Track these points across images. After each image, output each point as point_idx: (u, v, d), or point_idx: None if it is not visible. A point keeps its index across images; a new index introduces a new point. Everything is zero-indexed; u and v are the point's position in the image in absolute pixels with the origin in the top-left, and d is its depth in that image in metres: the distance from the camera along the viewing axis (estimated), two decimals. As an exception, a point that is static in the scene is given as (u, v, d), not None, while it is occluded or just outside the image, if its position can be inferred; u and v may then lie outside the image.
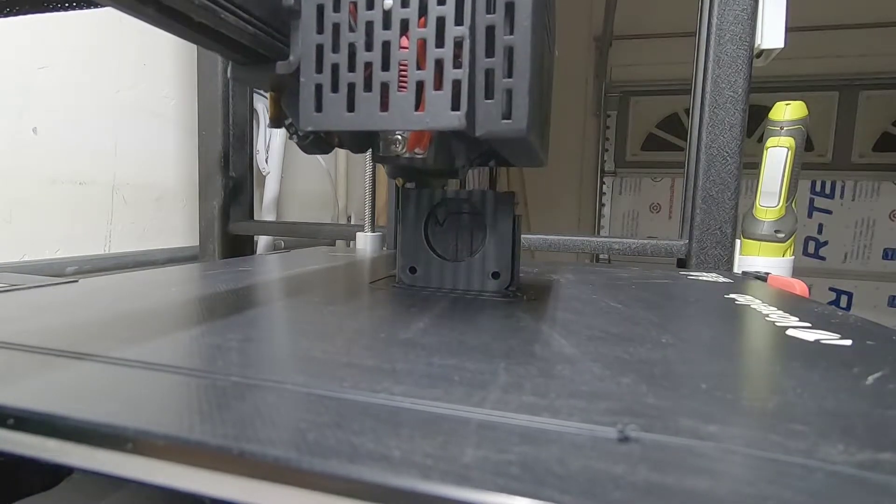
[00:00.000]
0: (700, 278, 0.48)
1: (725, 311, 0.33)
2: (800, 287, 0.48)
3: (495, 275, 0.35)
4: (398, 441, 0.13)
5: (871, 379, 0.19)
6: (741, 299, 0.37)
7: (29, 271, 0.57)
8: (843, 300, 2.04)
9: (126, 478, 0.13)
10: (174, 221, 0.85)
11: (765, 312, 0.32)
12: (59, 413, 0.14)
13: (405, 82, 0.25)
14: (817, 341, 0.25)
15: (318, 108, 0.25)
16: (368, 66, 0.25)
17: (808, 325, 0.28)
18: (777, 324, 0.29)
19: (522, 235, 0.71)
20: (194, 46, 0.77)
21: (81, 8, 0.29)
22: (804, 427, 0.15)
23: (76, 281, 0.36)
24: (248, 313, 0.28)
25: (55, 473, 0.18)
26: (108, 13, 0.26)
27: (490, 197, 0.35)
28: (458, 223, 0.35)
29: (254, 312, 0.28)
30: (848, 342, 0.25)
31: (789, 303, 0.37)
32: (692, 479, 0.11)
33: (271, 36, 0.27)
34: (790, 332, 0.27)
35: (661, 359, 0.21)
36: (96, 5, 0.25)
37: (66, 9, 0.30)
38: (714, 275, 0.52)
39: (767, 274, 0.53)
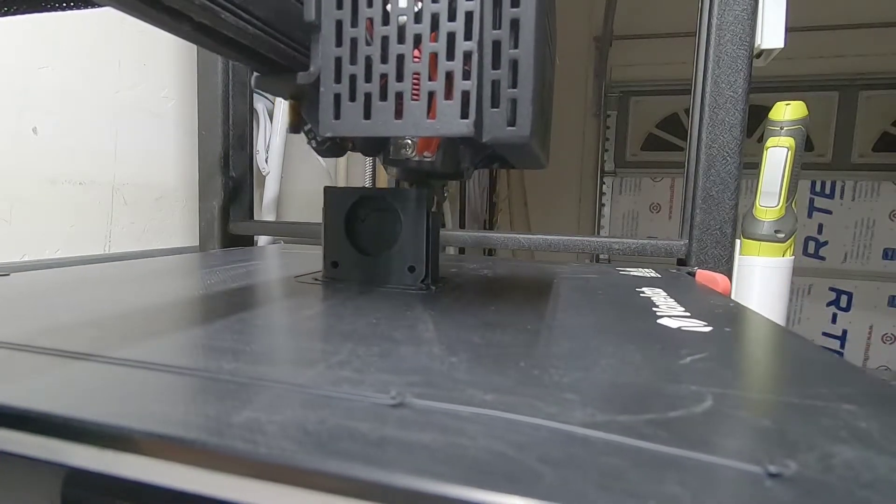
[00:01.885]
0: (630, 273, 0.51)
1: (621, 303, 0.35)
2: (722, 282, 0.51)
3: (411, 269, 0.37)
4: (192, 406, 0.14)
5: (688, 359, 0.21)
6: (648, 292, 0.39)
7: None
8: (843, 300, 2.05)
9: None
10: (174, 221, 0.84)
11: (658, 304, 0.34)
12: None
13: (418, 92, 0.27)
14: (679, 328, 0.27)
15: (337, 116, 0.28)
16: (384, 76, 0.27)
17: (688, 315, 0.30)
18: (657, 314, 0.30)
19: (522, 236, 0.72)
20: (194, 46, 0.77)
21: (81, 8, 0.29)
22: (575, 396, 0.16)
23: (7, 275, 0.37)
24: (167, 305, 0.29)
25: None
26: (108, 13, 0.26)
27: (405, 195, 0.37)
28: (378, 220, 0.37)
29: (168, 304, 0.29)
30: (708, 329, 0.26)
31: (693, 296, 0.39)
32: (423, 434, 0.13)
33: (292, 48, 0.29)
34: (661, 320, 0.28)
35: (508, 342, 0.23)
36: (96, 5, 0.25)
37: (66, 9, 0.30)
38: (648, 270, 0.55)
39: (696, 269, 0.57)
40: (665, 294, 0.38)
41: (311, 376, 0.17)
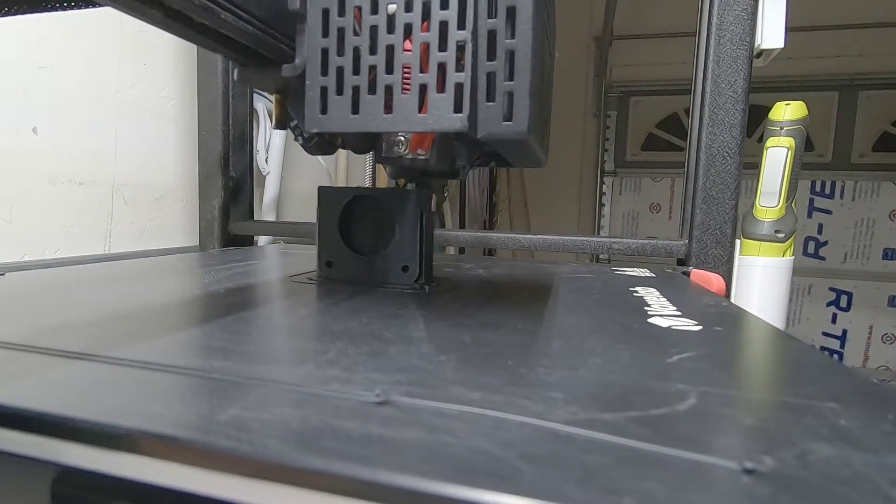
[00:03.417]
0: (626, 273, 0.51)
1: (614, 302, 0.35)
2: (716, 281, 0.51)
3: (405, 268, 0.37)
4: (179, 405, 0.15)
5: (675, 357, 0.21)
6: (641, 292, 0.39)
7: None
8: (843, 300, 2.04)
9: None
10: (174, 221, 0.85)
11: (650, 303, 0.34)
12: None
13: (408, 85, 0.25)
14: (669, 327, 0.26)
15: (324, 111, 0.26)
16: (373, 69, 0.26)
17: (679, 314, 0.30)
18: (649, 313, 0.30)
19: (522, 236, 0.72)
20: (194, 46, 0.77)
21: (81, 8, 0.29)
22: (560, 394, 0.16)
23: (3, 275, 0.38)
24: (161, 305, 0.29)
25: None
26: (108, 13, 0.26)
27: (399, 195, 0.37)
28: (372, 220, 0.37)
29: (162, 305, 0.29)
30: (698, 328, 0.26)
31: (686, 296, 0.39)
32: (408, 432, 0.13)
33: (276, 39, 0.27)
34: (652, 319, 0.29)
35: (500, 342, 0.23)
36: (96, 5, 0.25)
37: (66, 9, 0.30)
38: (643, 270, 0.55)
39: (692, 269, 0.57)
40: (658, 293, 0.38)
41: (299, 375, 0.17)
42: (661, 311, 0.31)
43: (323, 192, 0.38)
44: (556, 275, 0.47)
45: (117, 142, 0.73)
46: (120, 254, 0.74)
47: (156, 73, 0.79)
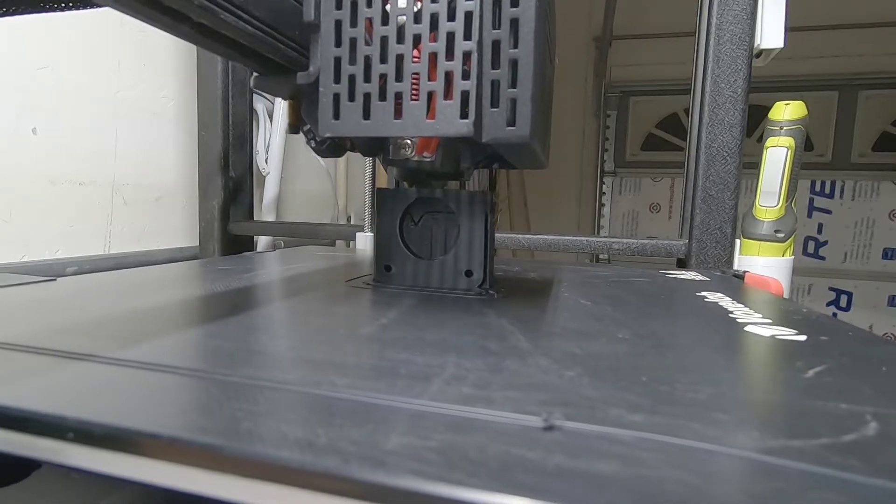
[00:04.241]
0: (677, 277, 0.49)
1: (691, 308, 0.34)
2: (775, 285, 0.49)
3: (468, 273, 0.36)
4: (327, 429, 0.13)
5: (811, 372, 0.20)
6: (711, 297, 0.38)
7: (29, 271, 0.57)
8: (843, 300, 2.04)
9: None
10: (174, 221, 0.84)
11: (730, 310, 0.33)
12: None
13: (417, 92, 0.27)
14: (773, 337, 0.26)
15: (336, 116, 0.28)
16: (383, 77, 0.27)
17: (770, 321, 0.29)
18: (738, 320, 0.29)
19: (522, 236, 0.72)
20: (194, 46, 0.77)
21: (81, 8, 0.29)
22: (725, 416, 0.15)
23: (55, 280, 0.37)
24: (224, 311, 0.28)
25: (24, 467, 0.19)
26: (108, 13, 0.26)
27: (463, 197, 0.36)
28: (432, 222, 0.36)
29: (227, 311, 0.29)
30: (803, 338, 0.25)
31: (758, 300, 0.37)
32: (601, 464, 0.12)
33: (292, 48, 0.29)
34: (748, 328, 0.27)
35: (610, 353, 0.22)
36: (96, 5, 0.25)
37: (66, 9, 0.30)
38: (693, 273, 0.52)
39: (745, 272, 0.54)
40: (730, 299, 0.36)
41: (436, 394, 0.16)
42: (750, 319, 0.29)
43: (382, 193, 0.37)
44: (606, 278, 0.45)
45: (117, 142, 0.73)
46: (120, 254, 0.74)
47: (155, 74, 0.79)
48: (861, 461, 0.12)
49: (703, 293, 0.39)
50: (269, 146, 0.97)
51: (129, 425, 0.13)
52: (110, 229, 0.73)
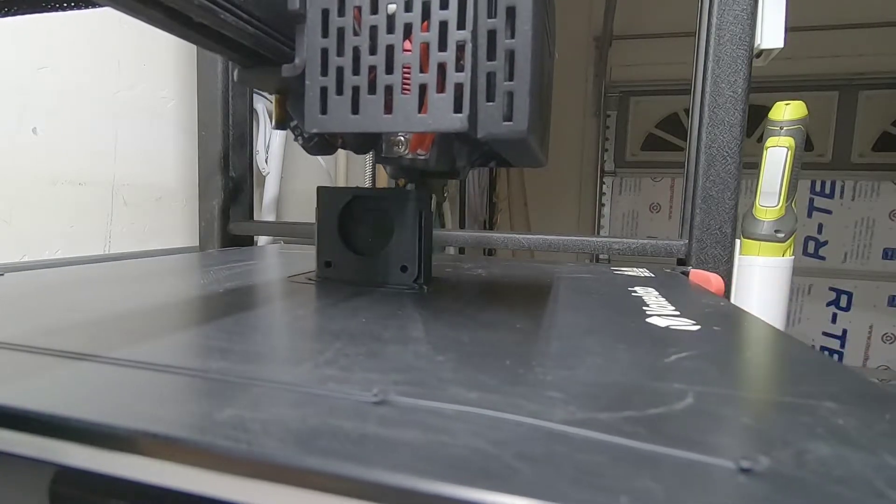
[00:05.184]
0: (624, 273, 0.51)
1: (613, 302, 0.35)
2: (715, 281, 0.50)
3: (404, 268, 0.37)
4: (181, 404, 0.15)
5: (673, 357, 0.21)
6: (640, 291, 0.39)
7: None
8: (843, 300, 2.04)
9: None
10: (174, 221, 0.85)
11: (649, 303, 0.34)
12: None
13: (408, 85, 0.25)
14: (667, 327, 0.27)
15: (324, 111, 0.26)
16: (373, 69, 0.25)
17: (678, 314, 0.30)
18: (647, 313, 0.30)
19: (522, 236, 0.72)
20: (194, 46, 0.77)
21: (81, 8, 0.30)
22: (558, 394, 0.16)
23: (2, 275, 0.38)
24: (155, 305, 0.29)
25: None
26: (108, 13, 0.26)
27: (397, 195, 0.36)
28: (371, 220, 0.37)
29: (158, 305, 0.29)
30: (696, 328, 0.26)
31: (685, 296, 0.39)
32: (407, 432, 0.13)
33: (276, 39, 0.27)
34: (650, 319, 0.28)
35: (497, 341, 0.23)
36: (96, 5, 0.25)
37: (66, 9, 0.30)
38: (642, 269, 0.55)
39: (691, 269, 0.57)
40: (657, 293, 0.38)
41: (297, 375, 0.17)
42: (660, 311, 0.31)
43: (322, 191, 0.38)
44: (554, 275, 0.47)
45: (117, 142, 0.73)
46: (120, 254, 0.74)
47: (155, 74, 0.79)
48: (648, 430, 0.13)
49: (636, 288, 0.41)
50: (269, 146, 0.97)
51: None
52: (110, 229, 0.73)
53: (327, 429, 0.13)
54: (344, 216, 0.37)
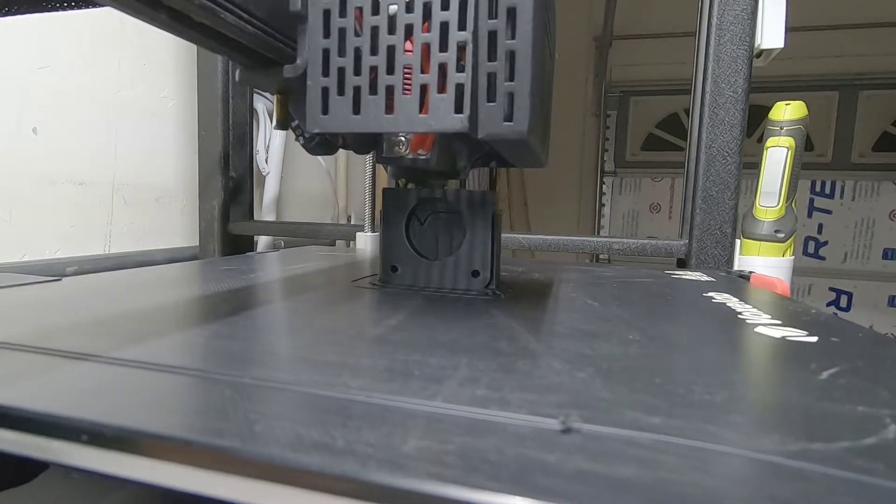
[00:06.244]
0: (683, 277, 0.49)
1: (699, 308, 0.34)
2: (781, 286, 0.48)
3: (475, 273, 0.35)
4: (344, 431, 0.13)
5: (825, 374, 0.19)
6: (718, 297, 0.37)
7: (29, 271, 0.57)
8: (843, 300, 2.04)
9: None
10: (174, 221, 0.84)
11: (738, 310, 0.32)
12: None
13: (409, 85, 0.25)
14: (783, 338, 0.25)
15: (325, 111, 0.26)
16: (374, 69, 0.26)
17: (779, 322, 0.29)
18: (747, 321, 0.29)
19: (522, 236, 0.72)
20: (194, 46, 0.77)
21: (81, 8, 0.29)
22: (741, 419, 0.15)
23: (59, 279, 0.37)
24: (230, 312, 0.28)
25: (30, 468, 0.18)
26: (108, 13, 0.26)
27: (468, 197, 0.35)
28: (438, 223, 0.36)
29: (234, 311, 0.28)
30: (814, 339, 0.25)
31: (765, 301, 0.37)
32: (621, 467, 0.12)
33: (278, 40, 0.27)
34: (758, 329, 0.27)
35: (622, 354, 0.22)
36: (96, 5, 0.25)
37: (66, 9, 0.30)
38: (697, 273, 0.52)
39: (751, 273, 0.54)
40: (737, 300, 0.36)
41: (451, 396, 0.16)
42: (759, 320, 0.29)
43: (388, 194, 0.36)
44: (611, 279, 0.45)
45: (117, 142, 0.73)
46: (120, 254, 0.74)
47: (156, 74, 0.79)
48: (884, 465, 0.12)
49: (710, 294, 0.39)
50: (269, 146, 0.97)
51: (140, 426, 0.13)
52: (110, 229, 0.73)
53: (535, 464, 0.12)
54: (409, 218, 0.36)
